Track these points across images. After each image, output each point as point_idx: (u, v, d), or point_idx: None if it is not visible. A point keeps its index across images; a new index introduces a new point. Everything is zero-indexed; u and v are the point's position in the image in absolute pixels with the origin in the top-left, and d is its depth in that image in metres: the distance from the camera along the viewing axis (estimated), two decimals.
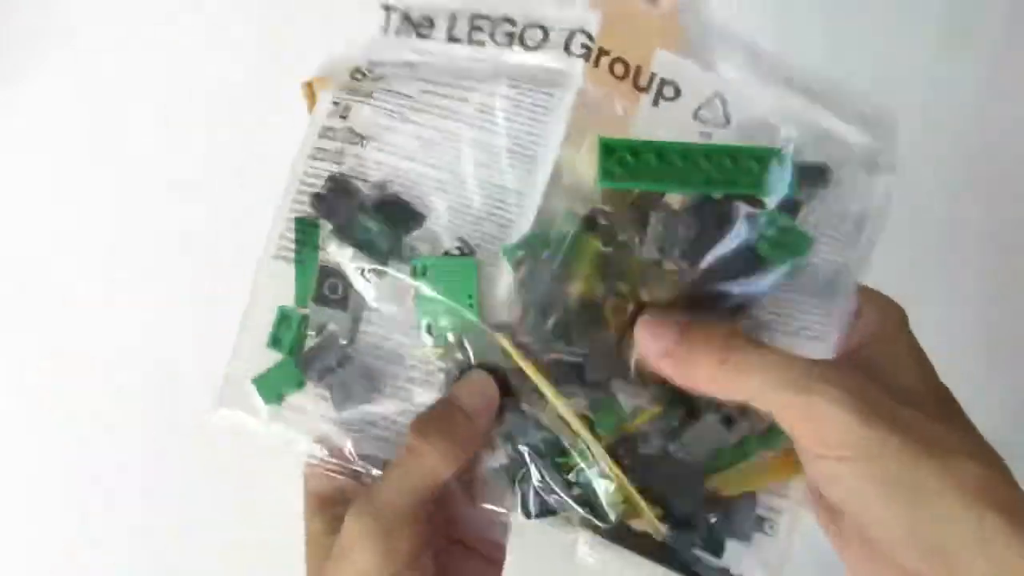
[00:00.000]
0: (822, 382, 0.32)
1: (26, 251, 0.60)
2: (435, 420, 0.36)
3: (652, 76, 0.38)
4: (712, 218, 0.36)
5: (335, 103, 0.39)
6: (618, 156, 0.35)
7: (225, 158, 0.58)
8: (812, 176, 0.37)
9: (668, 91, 0.38)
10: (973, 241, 0.61)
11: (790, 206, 0.36)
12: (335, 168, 0.39)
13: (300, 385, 0.38)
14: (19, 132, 0.60)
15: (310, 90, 0.58)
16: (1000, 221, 0.61)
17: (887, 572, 0.33)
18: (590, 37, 0.38)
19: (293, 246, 0.38)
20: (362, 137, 0.39)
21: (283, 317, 0.38)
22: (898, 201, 0.60)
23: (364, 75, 0.39)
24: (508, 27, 0.39)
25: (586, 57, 0.38)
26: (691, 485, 0.37)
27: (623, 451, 0.37)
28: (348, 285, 0.38)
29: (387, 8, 0.39)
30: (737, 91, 0.38)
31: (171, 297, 0.59)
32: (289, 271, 0.38)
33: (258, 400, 0.38)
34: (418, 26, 0.39)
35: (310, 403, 0.38)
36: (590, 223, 0.37)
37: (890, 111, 0.38)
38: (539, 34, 0.39)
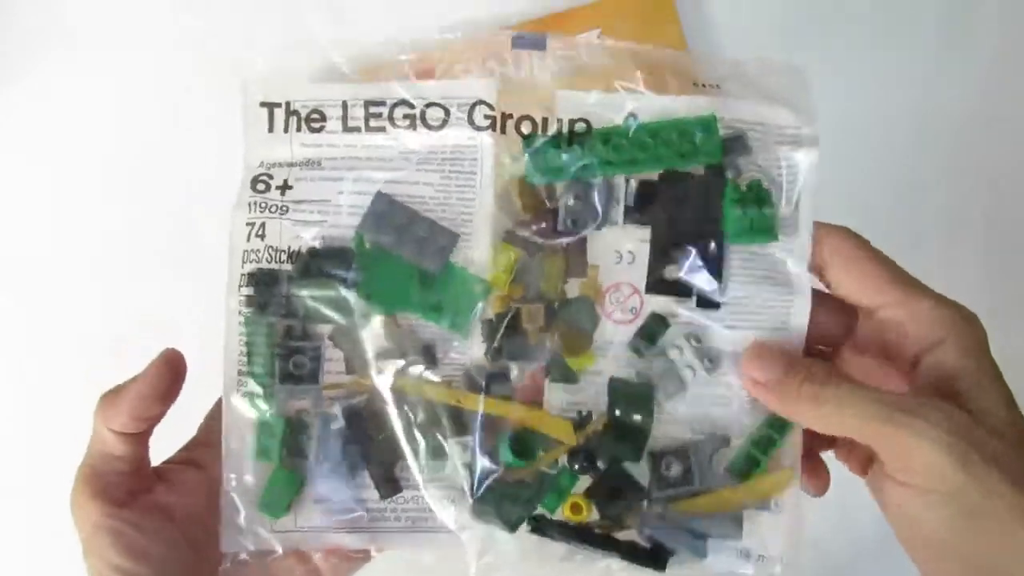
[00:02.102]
0: (915, 417, 0.33)
1: (27, 251, 0.60)
2: (117, 390, 0.38)
3: (559, 122, 0.38)
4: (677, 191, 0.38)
5: (248, 224, 0.38)
6: (545, 154, 0.37)
7: (226, 157, 0.58)
8: (734, 146, 0.38)
9: (580, 127, 0.38)
10: (972, 240, 0.61)
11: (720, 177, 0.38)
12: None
13: (301, 486, 0.38)
14: (19, 132, 0.60)
15: None
16: (1001, 220, 0.61)
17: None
18: (490, 106, 0.38)
19: (251, 365, 0.38)
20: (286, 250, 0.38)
21: (263, 425, 0.38)
22: (898, 198, 0.60)
23: (267, 184, 0.39)
24: (406, 109, 0.38)
25: (492, 126, 0.38)
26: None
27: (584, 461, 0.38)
28: (316, 354, 0.38)
29: (268, 106, 0.39)
30: (648, 105, 0.38)
31: (173, 296, 0.59)
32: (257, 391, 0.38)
33: (264, 531, 0.38)
34: (309, 120, 0.39)
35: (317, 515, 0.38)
36: (510, 236, 0.38)
37: (804, 83, 0.38)
38: (440, 113, 0.38)
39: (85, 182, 0.60)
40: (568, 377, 0.38)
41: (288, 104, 0.39)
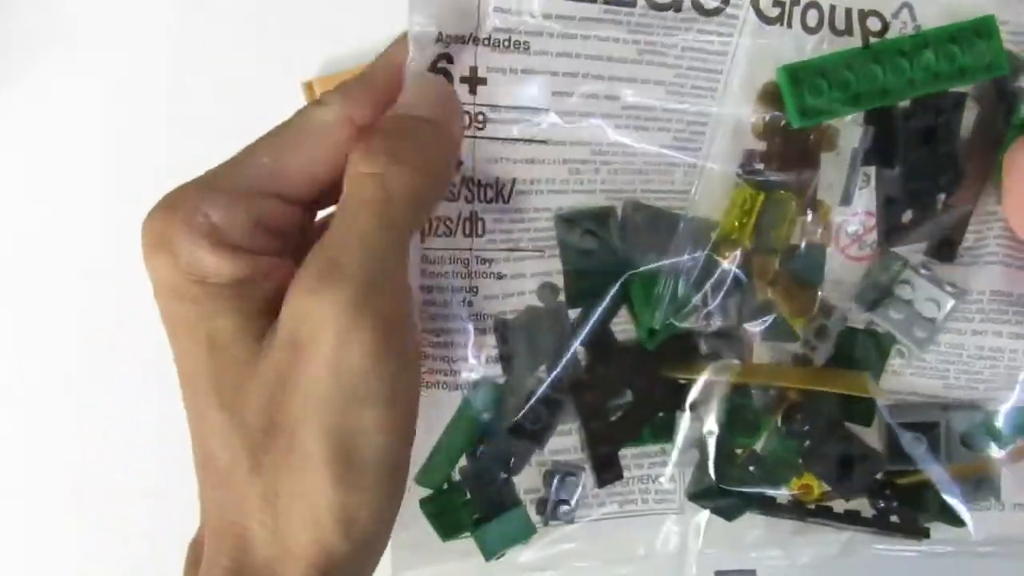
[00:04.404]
0: None
1: (27, 252, 0.60)
2: (402, 134, 0.24)
3: (848, 11, 0.28)
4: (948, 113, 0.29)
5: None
6: (809, 84, 0.27)
7: (227, 157, 0.58)
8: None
9: (874, 23, 0.28)
10: None
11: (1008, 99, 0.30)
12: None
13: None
14: (19, 132, 0.60)
15: (310, 90, 0.58)
16: None
17: None
18: None
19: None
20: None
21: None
22: None
23: (447, 76, 0.26)
24: None
25: (780, 18, 0.27)
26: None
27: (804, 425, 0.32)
28: (556, 407, 0.30)
29: None
30: None
31: None
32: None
33: None
34: None
35: None
36: (745, 169, 0.30)
37: None
38: None
39: (85, 182, 0.59)
40: (789, 336, 0.32)
41: None
